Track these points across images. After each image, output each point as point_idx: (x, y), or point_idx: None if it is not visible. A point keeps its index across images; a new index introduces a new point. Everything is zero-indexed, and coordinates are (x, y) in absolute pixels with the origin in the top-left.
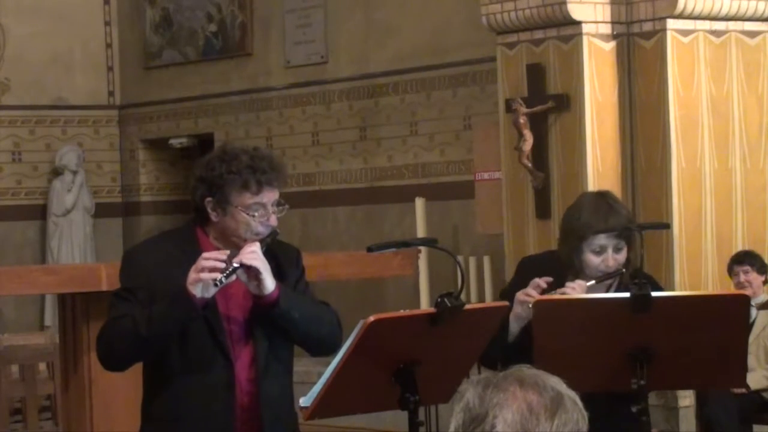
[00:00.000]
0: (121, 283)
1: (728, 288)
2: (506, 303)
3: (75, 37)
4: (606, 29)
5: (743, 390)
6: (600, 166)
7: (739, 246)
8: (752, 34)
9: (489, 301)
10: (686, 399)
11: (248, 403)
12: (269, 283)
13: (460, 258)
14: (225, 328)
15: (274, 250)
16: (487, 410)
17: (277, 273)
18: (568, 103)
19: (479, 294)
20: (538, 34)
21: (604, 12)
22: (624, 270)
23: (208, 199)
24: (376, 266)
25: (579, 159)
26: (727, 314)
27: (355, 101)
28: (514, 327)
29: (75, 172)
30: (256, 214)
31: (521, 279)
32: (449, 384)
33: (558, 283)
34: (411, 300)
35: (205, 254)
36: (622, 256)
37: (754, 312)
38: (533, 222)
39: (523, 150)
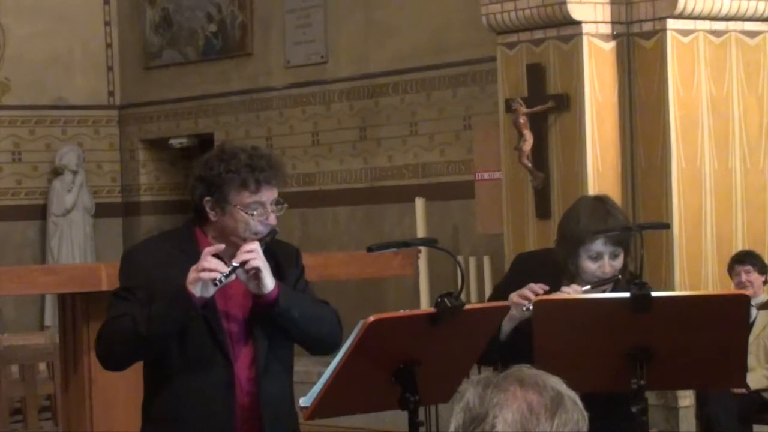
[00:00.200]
0: (120, 283)
1: (728, 288)
2: (506, 303)
3: (75, 37)
4: (606, 29)
5: (743, 390)
6: (600, 166)
7: (739, 246)
8: (752, 34)
9: (489, 302)
10: (686, 399)
11: (248, 403)
12: (269, 282)
13: (460, 258)
14: (225, 328)
15: (273, 249)
16: (487, 410)
17: (277, 272)
18: (568, 103)
19: (479, 294)
20: (538, 34)
21: (604, 12)
22: (620, 276)
23: (207, 198)
24: (376, 266)
25: (579, 159)
26: (727, 314)
27: (355, 101)
28: (507, 326)
29: (75, 172)
30: (254, 213)
31: (517, 276)
32: (449, 384)
33: (554, 283)
34: (411, 300)
35: (207, 249)
36: (618, 263)
37: (754, 312)
38: (533, 222)
39: (523, 150)
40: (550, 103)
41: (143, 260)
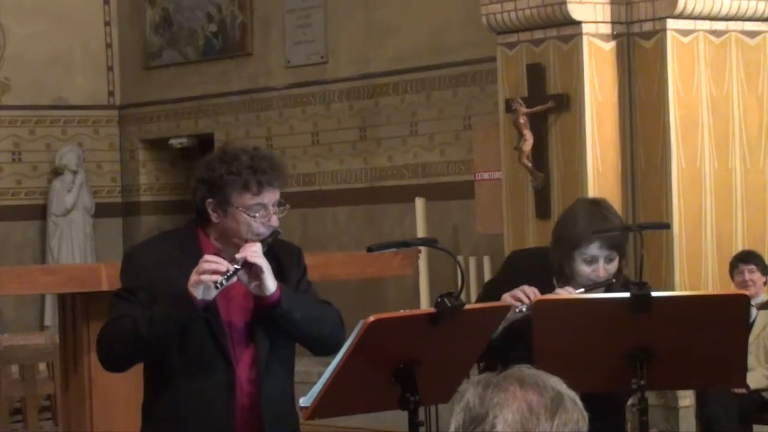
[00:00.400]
0: (121, 283)
1: (728, 288)
2: (507, 303)
3: (75, 37)
4: (606, 29)
5: (743, 390)
6: (600, 166)
7: (740, 246)
8: (752, 34)
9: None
10: (686, 399)
11: (249, 404)
12: (270, 284)
13: (460, 258)
14: (226, 329)
15: (275, 249)
16: (487, 410)
17: (279, 273)
18: (568, 103)
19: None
20: (538, 34)
21: (604, 12)
22: (614, 280)
23: (209, 200)
24: (376, 266)
25: (579, 159)
26: (727, 314)
27: (355, 101)
28: (499, 326)
29: (75, 172)
30: (257, 214)
31: (510, 274)
32: (449, 384)
33: (547, 282)
34: (411, 300)
35: (207, 257)
36: (613, 267)
37: (754, 312)
38: (533, 222)
39: (523, 150)
40: (550, 103)
41: (145, 261)
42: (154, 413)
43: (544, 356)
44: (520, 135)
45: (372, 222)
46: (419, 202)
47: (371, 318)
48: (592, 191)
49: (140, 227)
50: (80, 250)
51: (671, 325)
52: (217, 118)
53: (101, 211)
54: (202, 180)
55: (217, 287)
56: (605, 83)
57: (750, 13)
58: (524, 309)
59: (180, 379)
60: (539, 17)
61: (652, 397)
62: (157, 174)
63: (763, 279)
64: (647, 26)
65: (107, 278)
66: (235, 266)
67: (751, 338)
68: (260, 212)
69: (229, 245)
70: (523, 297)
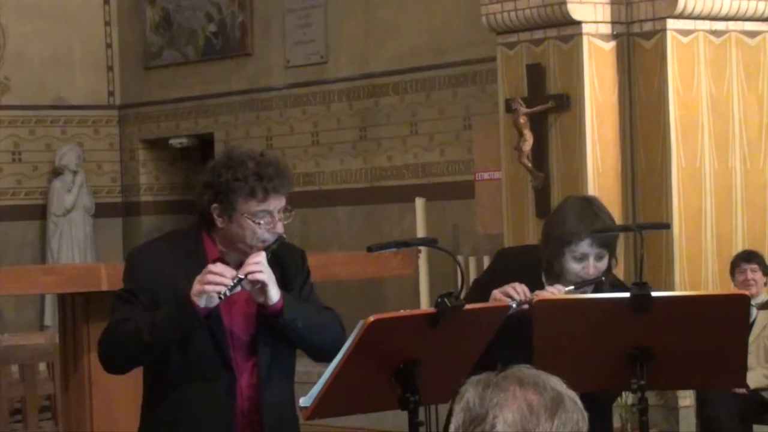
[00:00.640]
0: (124, 284)
1: (728, 288)
2: (506, 303)
3: (75, 37)
4: (606, 29)
5: (744, 390)
6: (600, 166)
7: (740, 246)
8: (752, 34)
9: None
10: (686, 399)
11: (249, 409)
12: (273, 294)
13: (460, 258)
14: (227, 336)
15: (279, 254)
16: (487, 410)
17: (282, 278)
18: (568, 103)
19: None
20: (538, 34)
21: (604, 12)
22: (603, 278)
23: (214, 205)
24: (376, 266)
25: (579, 159)
26: (727, 314)
27: (355, 101)
28: None
29: (75, 172)
30: (262, 221)
31: (499, 272)
32: (449, 384)
33: (535, 279)
34: (411, 300)
35: (211, 267)
36: (602, 265)
37: (754, 312)
38: (533, 222)
39: (523, 150)
40: (550, 103)
41: (148, 263)
42: (153, 416)
43: (544, 356)
44: (520, 135)
45: (372, 222)
46: (419, 202)
47: (371, 318)
48: (592, 191)
49: (140, 227)
50: (80, 250)
51: (671, 325)
52: (217, 118)
53: (101, 211)
54: (208, 185)
55: (220, 297)
56: (605, 83)
57: (750, 13)
58: (514, 305)
59: (180, 383)
60: (539, 17)
61: (652, 397)
62: (157, 174)
63: (764, 279)
64: (647, 26)
65: (107, 278)
66: (239, 276)
67: (751, 338)
68: (265, 219)
69: (234, 250)
70: (513, 293)
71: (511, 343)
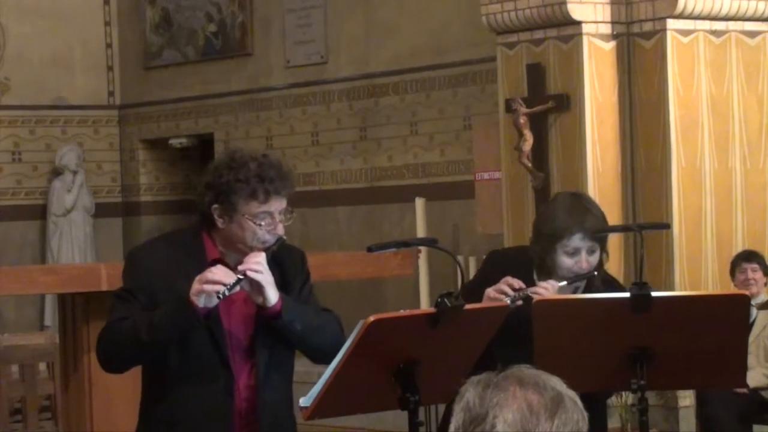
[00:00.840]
0: (123, 283)
1: (728, 288)
2: (506, 303)
3: (75, 37)
4: (606, 29)
5: (744, 390)
6: (600, 166)
7: (740, 246)
8: (752, 34)
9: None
10: (686, 399)
11: (246, 410)
12: (272, 296)
13: (460, 258)
14: (226, 336)
15: (278, 255)
16: (487, 410)
17: (282, 279)
18: (568, 103)
19: None
20: (538, 34)
21: (604, 12)
22: (595, 273)
23: (215, 206)
24: (376, 266)
25: (579, 159)
26: (727, 314)
27: (355, 101)
28: None
29: (75, 172)
30: (262, 223)
31: (490, 273)
32: (449, 384)
33: (527, 278)
34: (411, 300)
35: (212, 268)
36: (594, 259)
37: (754, 312)
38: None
39: (523, 150)
40: (550, 103)
41: (147, 262)
42: (151, 415)
43: (544, 356)
44: (520, 135)
45: (372, 222)
46: (419, 202)
47: (371, 318)
48: (592, 191)
49: (140, 227)
50: (80, 250)
51: (671, 325)
52: (217, 118)
53: (101, 211)
54: (209, 185)
55: (219, 297)
56: (605, 83)
57: (750, 13)
58: (509, 302)
59: (179, 382)
60: (539, 17)
61: (652, 397)
62: (157, 174)
63: (765, 279)
64: (647, 26)
65: (107, 278)
66: (238, 276)
67: (751, 338)
68: (266, 220)
69: (234, 251)
70: (507, 289)
71: (511, 341)
